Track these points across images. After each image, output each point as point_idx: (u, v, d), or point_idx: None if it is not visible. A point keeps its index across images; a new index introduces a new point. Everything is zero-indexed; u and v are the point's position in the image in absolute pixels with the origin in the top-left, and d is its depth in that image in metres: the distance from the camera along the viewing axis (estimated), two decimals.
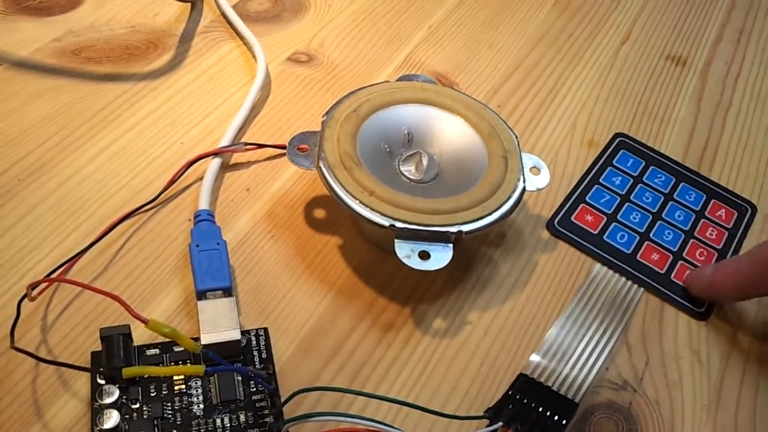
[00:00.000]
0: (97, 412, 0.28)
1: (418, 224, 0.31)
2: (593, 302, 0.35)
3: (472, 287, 0.35)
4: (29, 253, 0.33)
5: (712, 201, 0.40)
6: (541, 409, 0.30)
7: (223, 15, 0.45)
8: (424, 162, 0.35)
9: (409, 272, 0.34)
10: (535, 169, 0.36)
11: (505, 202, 0.33)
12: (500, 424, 0.29)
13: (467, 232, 0.32)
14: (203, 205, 0.35)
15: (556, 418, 0.30)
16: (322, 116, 0.35)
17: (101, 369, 0.29)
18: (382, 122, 0.35)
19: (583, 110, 0.44)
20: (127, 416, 0.28)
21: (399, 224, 0.31)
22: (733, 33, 0.52)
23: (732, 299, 0.36)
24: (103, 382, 0.29)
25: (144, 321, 0.25)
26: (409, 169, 0.35)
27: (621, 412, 0.32)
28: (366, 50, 0.45)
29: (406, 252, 0.31)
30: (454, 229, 0.31)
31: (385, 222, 0.31)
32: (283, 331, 0.32)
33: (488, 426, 0.29)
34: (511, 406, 0.30)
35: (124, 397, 0.29)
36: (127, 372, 0.25)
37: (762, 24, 0.53)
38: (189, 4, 0.45)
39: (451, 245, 0.32)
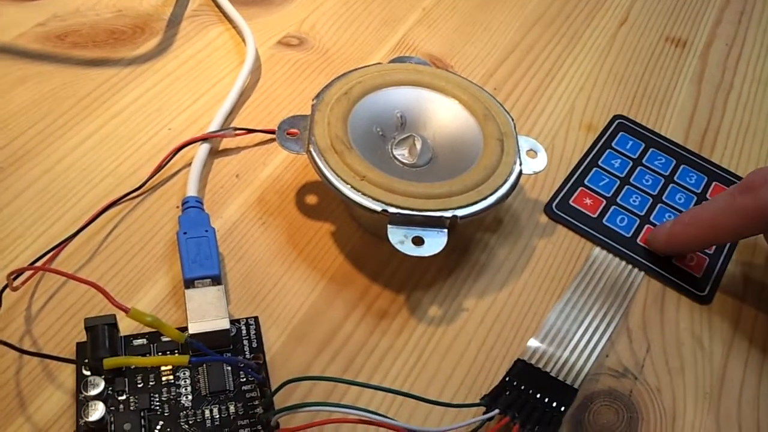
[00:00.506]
0: (82, 404, 0.27)
1: (412, 209, 0.30)
2: (593, 286, 0.34)
3: (468, 274, 0.34)
4: (13, 242, 0.32)
5: (714, 183, 0.39)
6: (539, 396, 0.29)
7: None
8: (418, 145, 0.34)
9: (404, 259, 0.33)
10: (532, 152, 0.35)
11: (501, 185, 0.32)
12: (497, 411, 0.28)
13: (462, 217, 0.31)
14: (191, 191, 0.34)
15: (554, 404, 0.29)
16: (313, 99, 0.34)
17: (86, 360, 0.28)
18: (375, 105, 0.34)
19: (581, 93, 0.43)
20: (113, 408, 0.27)
21: (392, 209, 0.30)
22: (734, 14, 0.51)
23: (691, 249, 0.36)
24: (88, 373, 0.28)
25: (125, 310, 0.24)
26: (402, 153, 0.34)
27: (621, 400, 0.31)
28: (358, 33, 0.44)
29: (399, 238, 0.30)
30: (448, 214, 0.31)
31: (378, 207, 0.30)
32: (274, 319, 0.31)
33: (484, 413, 0.28)
34: (508, 393, 0.29)
35: (110, 388, 0.28)
36: (108, 363, 0.24)
37: (763, 5, 0.52)
38: None
39: (445, 230, 0.31)
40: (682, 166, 0.40)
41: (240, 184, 0.36)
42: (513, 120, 0.35)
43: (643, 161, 0.40)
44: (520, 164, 0.33)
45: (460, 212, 0.31)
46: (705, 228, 0.33)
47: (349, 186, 0.31)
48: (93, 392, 0.27)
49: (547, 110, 0.42)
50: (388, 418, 0.26)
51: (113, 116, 0.37)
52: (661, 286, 0.35)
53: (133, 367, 0.28)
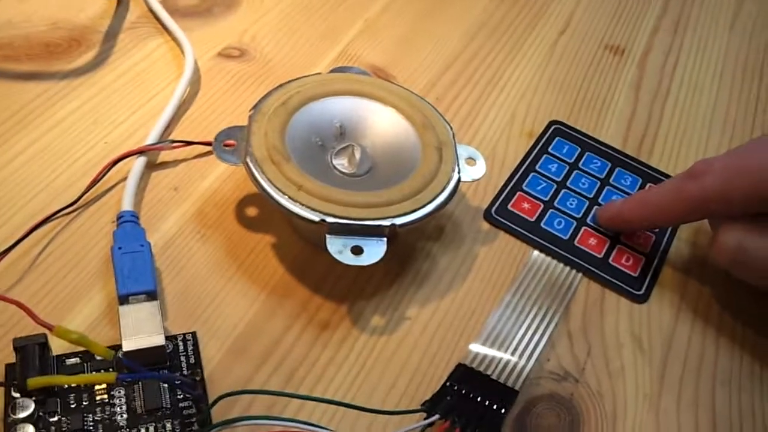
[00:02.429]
0: (10, 427, 0.26)
1: (350, 218, 0.30)
2: (531, 289, 0.34)
3: (411, 282, 0.34)
4: None
5: (648, 184, 0.40)
6: (480, 399, 0.29)
7: (151, 10, 0.44)
8: (357, 155, 0.34)
9: (345, 269, 0.33)
10: (471, 160, 0.35)
11: (440, 193, 0.32)
12: (437, 416, 0.28)
13: (401, 226, 0.31)
14: (126, 206, 0.33)
15: (495, 407, 0.29)
16: (250, 110, 0.33)
17: (15, 381, 0.27)
18: (313, 115, 0.34)
19: (521, 101, 0.44)
20: (44, 430, 0.27)
21: (329, 219, 0.30)
22: (671, 23, 0.52)
23: (637, 229, 0.37)
24: (17, 395, 0.27)
25: (49, 328, 0.24)
26: (341, 163, 0.34)
27: (563, 404, 0.31)
28: (300, 44, 0.44)
29: (338, 247, 0.30)
30: (386, 223, 0.31)
31: (315, 217, 0.30)
32: (213, 334, 0.31)
33: (425, 419, 0.28)
34: (449, 398, 0.29)
35: (41, 410, 0.27)
36: (33, 383, 0.23)
37: (698, 13, 0.53)
38: (115, 0, 0.44)
39: (384, 239, 0.31)
40: (617, 169, 0.40)
41: (178, 197, 0.35)
42: (452, 128, 0.35)
43: (579, 165, 0.40)
44: (459, 172, 0.33)
45: (398, 221, 0.31)
46: (652, 210, 0.35)
47: (286, 196, 0.31)
48: (22, 414, 0.27)
49: (489, 118, 0.42)
50: (328, 429, 0.26)
51: (48, 130, 0.37)
52: (601, 289, 0.35)
53: (66, 386, 0.28)
